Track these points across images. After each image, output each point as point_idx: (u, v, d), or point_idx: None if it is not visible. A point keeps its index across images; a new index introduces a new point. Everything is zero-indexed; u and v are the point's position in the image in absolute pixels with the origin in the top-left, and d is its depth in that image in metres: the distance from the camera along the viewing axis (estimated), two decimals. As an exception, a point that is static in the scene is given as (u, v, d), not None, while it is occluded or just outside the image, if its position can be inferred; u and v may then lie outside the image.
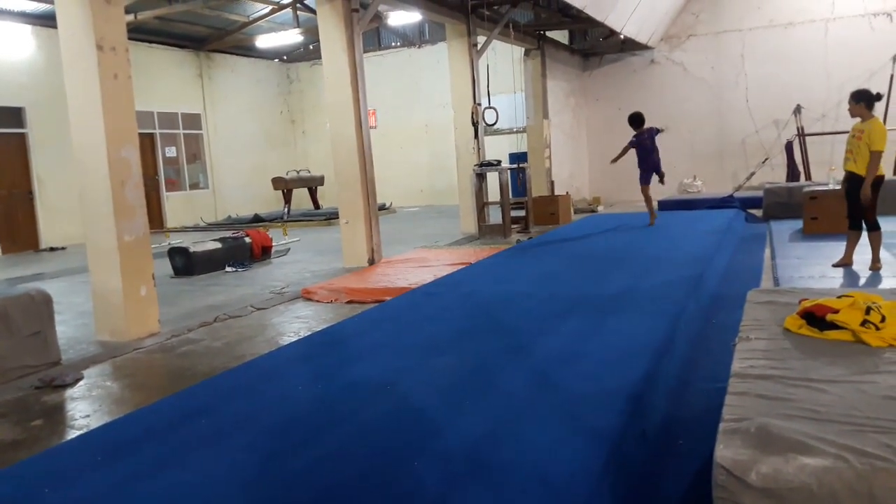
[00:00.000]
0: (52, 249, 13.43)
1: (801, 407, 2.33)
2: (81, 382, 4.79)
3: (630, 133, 10.70)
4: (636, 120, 10.69)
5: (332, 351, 4.68)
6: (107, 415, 4.13)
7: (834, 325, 3.08)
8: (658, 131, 10.93)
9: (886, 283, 6.15)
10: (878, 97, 6.59)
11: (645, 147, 10.67)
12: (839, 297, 3.30)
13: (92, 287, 6.01)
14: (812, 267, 6.97)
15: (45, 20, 13.18)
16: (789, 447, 2.02)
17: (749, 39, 15.83)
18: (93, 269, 5.97)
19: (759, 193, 11.93)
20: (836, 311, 3.12)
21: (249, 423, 3.39)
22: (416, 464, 2.79)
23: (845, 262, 6.90)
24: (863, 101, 6.52)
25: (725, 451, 2.06)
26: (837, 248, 7.94)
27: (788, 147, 14.27)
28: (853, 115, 6.64)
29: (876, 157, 6.36)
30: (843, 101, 14.88)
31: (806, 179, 13.66)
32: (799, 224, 9.56)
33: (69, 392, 4.61)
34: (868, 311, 3.05)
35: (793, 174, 14.07)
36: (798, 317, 3.24)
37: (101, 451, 3.20)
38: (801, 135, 14.50)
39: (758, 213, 11.63)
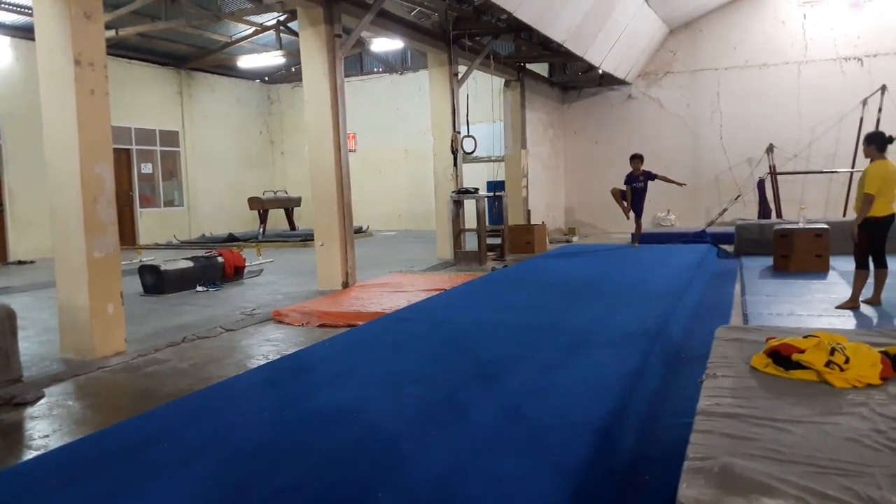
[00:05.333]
0: (20, 263, 13.19)
1: (765, 447, 2.34)
2: (42, 401, 4.67)
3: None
4: (634, 157, 11.90)
5: (301, 376, 4.63)
6: (67, 435, 4.02)
7: (799, 365, 3.11)
8: (654, 177, 11.81)
9: (844, 323, 6.23)
10: (891, 140, 6.59)
11: (634, 190, 11.82)
12: (805, 336, 3.34)
13: (58, 303, 5.89)
14: (781, 304, 7.06)
15: (24, 32, 13.07)
16: (752, 488, 2.03)
17: (724, 78, 16.16)
18: (60, 285, 5.86)
19: (731, 229, 12.09)
20: (802, 351, 3.15)
21: (212, 449, 3.33)
22: (380, 496, 2.76)
23: (851, 305, 6.71)
24: (873, 143, 6.60)
25: (688, 491, 2.05)
26: (806, 286, 8.08)
27: (760, 185, 14.51)
28: (866, 156, 6.74)
29: (866, 199, 6.43)
30: (814, 143, 15.41)
31: (777, 217, 13.88)
32: (769, 261, 9.70)
33: (29, 410, 4.49)
34: (832, 351, 3.09)
35: (764, 212, 14.29)
36: (765, 355, 3.27)
37: (57, 473, 3.12)
38: (773, 173, 14.76)
39: (729, 248, 11.79)
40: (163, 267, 9.22)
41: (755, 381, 3.08)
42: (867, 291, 6.80)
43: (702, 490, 2.05)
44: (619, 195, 11.90)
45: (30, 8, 6.25)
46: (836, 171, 14.90)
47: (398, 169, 19.63)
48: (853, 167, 14.26)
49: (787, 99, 15.53)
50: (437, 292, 8.17)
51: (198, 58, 17.45)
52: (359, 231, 15.48)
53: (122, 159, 16.02)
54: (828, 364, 3.04)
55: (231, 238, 16.21)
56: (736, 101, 16.04)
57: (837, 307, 6.76)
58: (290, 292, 8.94)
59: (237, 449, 3.32)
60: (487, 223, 12.07)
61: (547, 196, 16.66)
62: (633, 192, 11.91)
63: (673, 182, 11.92)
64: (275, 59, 16.53)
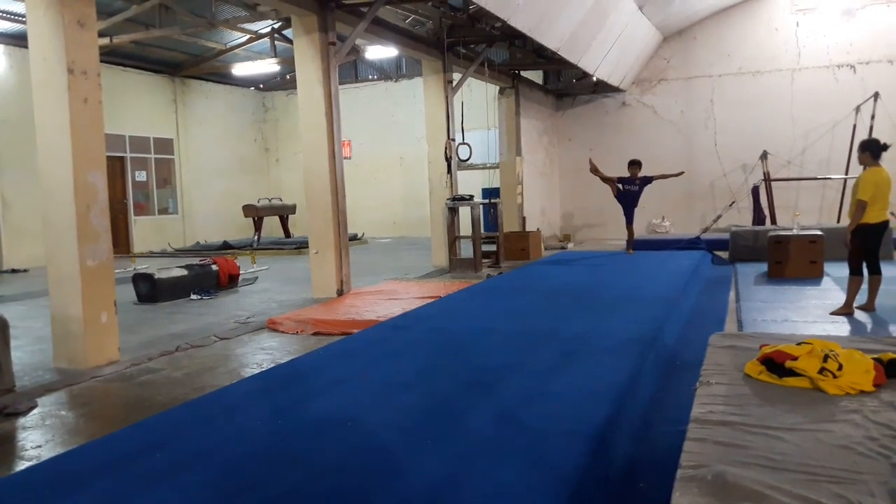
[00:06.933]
0: (13, 271, 13.14)
1: (758, 455, 2.34)
2: (35, 411, 4.65)
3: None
4: (633, 163, 11.61)
5: (295, 385, 4.61)
6: (59, 446, 4.01)
7: (793, 372, 3.12)
8: (651, 180, 11.58)
9: (839, 329, 6.25)
10: (885, 147, 6.66)
11: (627, 193, 11.25)
12: (798, 343, 3.35)
13: (51, 312, 5.87)
14: (775, 311, 7.07)
15: (18, 39, 13.08)
16: (745, 496, 2.02)
17: (718, 85, 16.23)
18: (53, 294, 5.84)
19: (726, 236, 12.13)
20: (795, 358, 3.15)
21: (206, 458, 3.31)
22: (373, 504, 2.75)
23: (845, 311, 6.75)
24: (868, 150, 6.65)
25: (682, 499, 2.05)
26: (800, 292, 8.10)
27: (755, 191, 14.56)
28: (860, 163, 6.78)
29: (859, 205, 6.48)
30: (808, 149, 15.49)
31: (771, 224, 13.93)
32: (764, 267, 9.73)
33: (21, 421, 4.47)
34: (826, 358, 3.09)
35: (758, 218, 14.34)
36: (758, 362, 3.27)
37: (49, 484, 3.10)
38: (768, 180, 14.82)
39: (724, 255, 11.81)
40: (157, 275, 9.19)
41: (749, 388, 3.08)
42: (861, 298, 6.82)
43: (695, 498, 2.04)
44: (609, 180, 11.76)
45: (23, 16, 6.25)
46: (829, 178, 14.97)
47: (393, 176, 19.65)
48: (847, 174, 14.32)
49: (780, 106, 15.61)
50: (433, 300, 8.16)
51: (192, 65, 17.46)
52: (353, 238, 15.49)
53: (117, 167, 16.00)
54: (821, 371, 3.04)
55: (226, 246, 16.20)
56: (730, 107, 16.12)
57: (832, 313, 6.79)
58: (284, 300, 8.93)
59: (231, 458, 3.30)
60: (482, 230, 12.07)
61: (542, 203, 16.69)
62: (626, 195, 11.66)
63: (671, 176, 11.75)
64: (269, 66, 16.56)
